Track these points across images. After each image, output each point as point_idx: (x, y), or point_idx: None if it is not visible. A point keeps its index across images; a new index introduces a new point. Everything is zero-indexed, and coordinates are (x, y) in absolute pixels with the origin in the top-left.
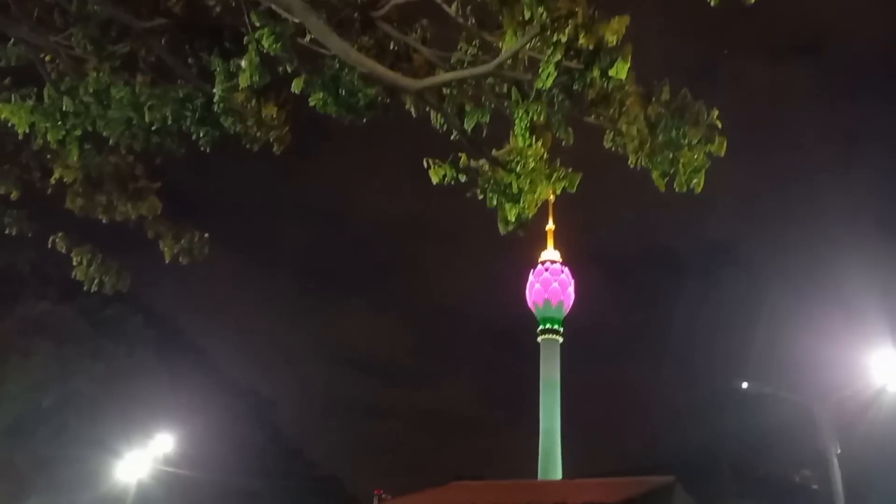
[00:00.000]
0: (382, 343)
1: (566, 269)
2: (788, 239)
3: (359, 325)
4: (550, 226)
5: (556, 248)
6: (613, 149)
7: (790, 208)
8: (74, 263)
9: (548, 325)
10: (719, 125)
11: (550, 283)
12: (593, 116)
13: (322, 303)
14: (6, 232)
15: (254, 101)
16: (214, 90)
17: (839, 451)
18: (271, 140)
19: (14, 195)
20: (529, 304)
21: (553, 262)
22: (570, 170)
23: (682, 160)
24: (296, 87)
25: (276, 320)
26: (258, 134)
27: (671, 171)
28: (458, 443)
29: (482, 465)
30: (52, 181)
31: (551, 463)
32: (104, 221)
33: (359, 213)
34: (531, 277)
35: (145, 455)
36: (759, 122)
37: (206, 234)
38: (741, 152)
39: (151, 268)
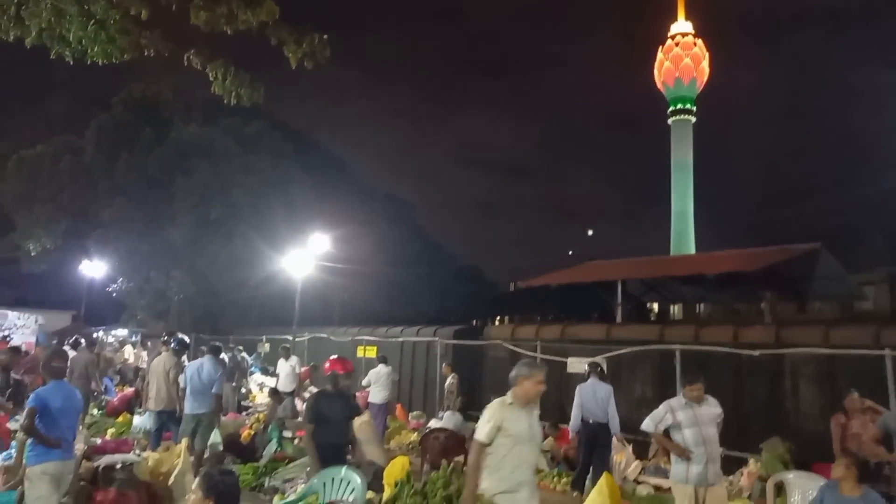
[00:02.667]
0: (507, 142)
1: (699, 42)
2: None
3: (483, 127)
4: None
5: (687, 18)
6: None
7: None
8: (211, 79)
9: (679, 106)
10: None
11: (681, 59)
12: None
13: (445, 108)
14: (145, 54)
15: None
16: None
17: None
18: None
19: (143, 15)
20: (658, 84)
21: (684, 34)
22: None
23: None
24: None
25: (403, 129)
26: None
27: None
28: (587, 233)
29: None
30: None
31: (684, 245)
32: (229, 33)
33: (475, 8)
34: (659, 55)
35: (306, 254)
36: None
37: (326, 36)
38: None
39: (282, 86)
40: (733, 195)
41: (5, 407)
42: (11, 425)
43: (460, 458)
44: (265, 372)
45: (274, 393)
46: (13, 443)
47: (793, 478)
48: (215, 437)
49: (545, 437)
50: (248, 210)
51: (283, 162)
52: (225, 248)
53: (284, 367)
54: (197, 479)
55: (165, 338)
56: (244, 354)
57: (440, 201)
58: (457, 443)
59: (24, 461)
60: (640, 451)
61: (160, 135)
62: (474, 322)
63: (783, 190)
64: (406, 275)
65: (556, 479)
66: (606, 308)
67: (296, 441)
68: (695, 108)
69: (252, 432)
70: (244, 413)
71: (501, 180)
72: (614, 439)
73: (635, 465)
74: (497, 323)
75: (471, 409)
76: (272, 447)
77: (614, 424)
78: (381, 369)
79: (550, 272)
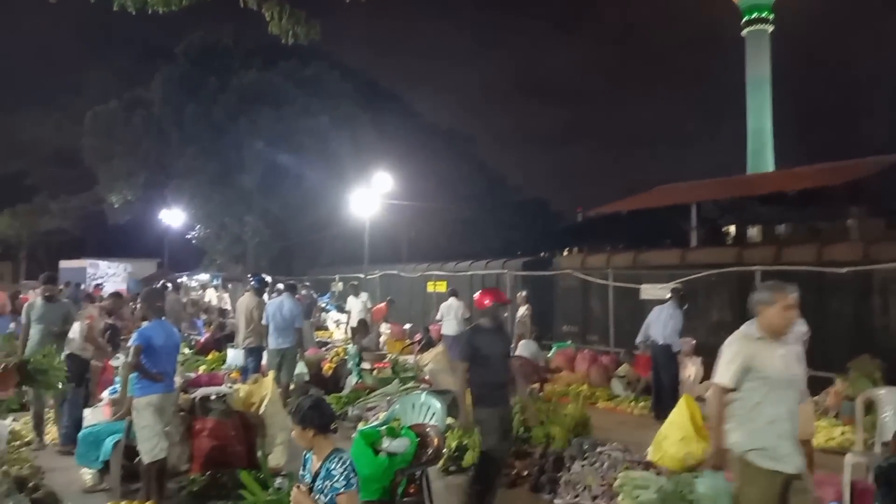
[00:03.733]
0: (571, 68)
1: None
2: None
3: (547, 52)
4: None
5: None
6: None
7: None
8: (267, 19)
9: (754, 15)
10: None
11: None
12: None
13: (506, 32)
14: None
15: None
16: None
17: None
18: None
19: None
20: None
21: None
22: None
23: None
24: None
25: (462, 60)
26: None
27: None
28: (658, 158)
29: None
30: None
31: (761, 165)
32: None
33: None
34: None
35: (372, 193)
36: None
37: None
38: None
39: (337, 25)
40: (816, 110)
41: (107, 349)
42: (113, 363)
43: (535, 385)
44: (340, 310)
45: (362, 324)
46: (117, 378)
47: (884, 394)
48: (300, 368)
49: (619, 363)
50: (313, 153)
51: (343, 102)
52: (294, 192)
53: (355, 303)
54: (290, 415)
55: (251, 278)
56: (313, 293)
57: (503, 133)
58: (532, 370)
59: (128, 394)
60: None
61: (223, 82)
62: (542, 254)
63: (870, 102)
64: (470, 210)
65: (632, 403)
66: (680, 234)
67: (374, 372)
68: (772, 17)
69: (333, 366)
70: (323, 348)
71: (566, 108)
72: (681, 357)
73: (706, 382)
74: (565, 254)
75: (542, 339)
76: (353, 379)
77: (674, 343)
78: (452, 302)
79: (619, 200)
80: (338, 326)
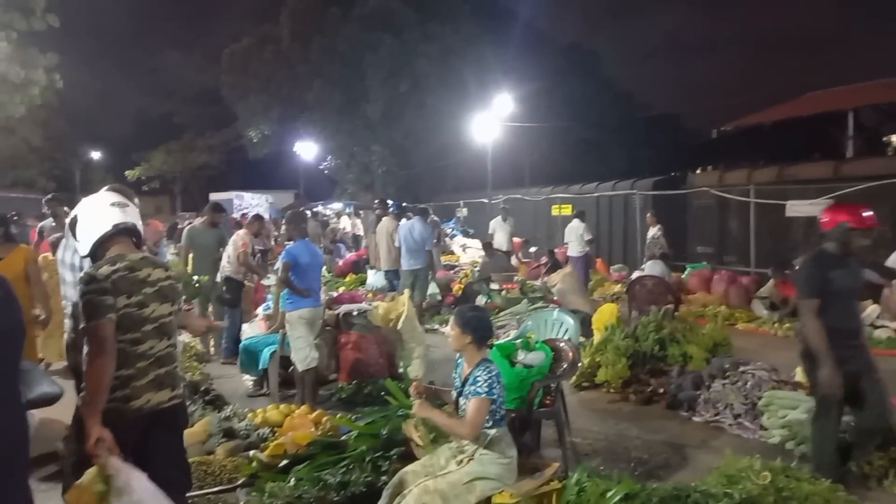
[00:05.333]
0: None
1: None
2: None
3: None
4: None
5: None
6: None
7: None
8: None
9: None
10: None
11: None
12: None
13: None
14: None
15: None
16: None
17: None
18: None
19: None
20: None
21: None
22: None
23: None
24: None
25: None
26: None
27: None
28: (806, 65)
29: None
30: None
31: None
32: None
33: None
34: None
35: (493, 117)
36: None
37: None
38: None
39: None
40: None
41: (258, 271)
42: (264, 283)
43: (669, 305)
44: (466, 234)
45: (487, 246)
46: (269, 296)
47: None
48: (432, 289)
49: (758, 283)
50: (434, 79)
51: (462, 25)
52: (417, 120)
53: (503, 226)
54: (452, 317)
55: (376, 204)
56: (436, 219)
57: (630, 47)
58: (665, 289)
59: (280, 309)
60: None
61: (346, 13)
62: (672, 174)
63: None
64: (595, 130)
65: (776, 325)
66: (831, 145)
67: (503, 293)
68: None
69: (462, 286)
70: (451, 271)
71: (700, 13)
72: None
73: (871, 308)
74: (698, 172)
75: (675, 260)
76: (482, 299)
77: None
78: (576, 224)
79: (761, 111)
80: (464, 251)
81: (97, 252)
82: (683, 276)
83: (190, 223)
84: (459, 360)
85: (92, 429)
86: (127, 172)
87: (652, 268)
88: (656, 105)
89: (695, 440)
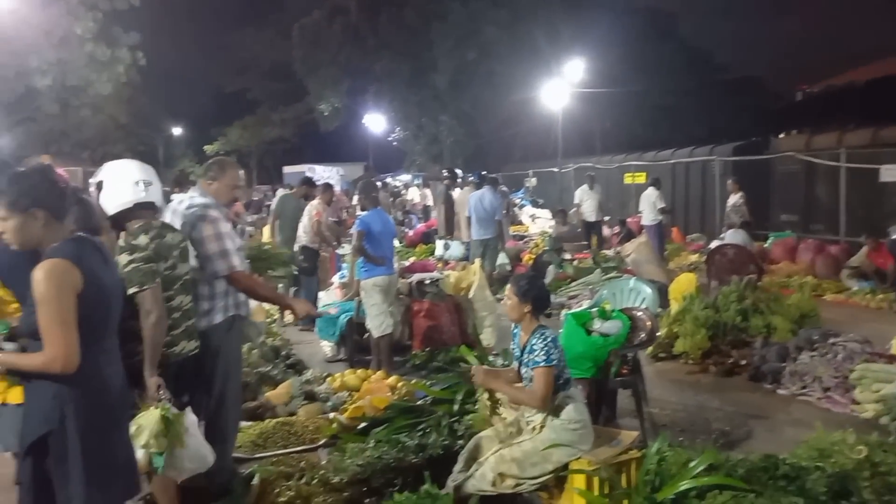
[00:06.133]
0: None
1: None
2: None
3: None
4: None
5: None
6: None
7: None
8: None
9: None
10: None
11: None
12: None
13: None
14: None
15: None
16: None
17: None
18: None
19: None
20: None
21: None
22: None
23: None
24: None
25: None
26: None
27: None
28: None
29: None
30: None
31: None
32: None
33: None
34: None
35: (563, 83)
36: None
37: None
38: None
39: None
40: None
41: (332, 241)
42: (339, 252)
43: (751, 275)
44: (535, 204)
45: (559, 214)
46: (345, 265)
47: None
48: (501, 259)
49: (848, 253)
50: (503, 46)
51: None
52: (485, 89)
53: (590, 195)
54: (508, 286)
55: (445, 174)
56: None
57: (709, 4)
58: (747, 259)
59: (355, 277)
60: None
61: None
62: (753, 139)
63: None
64: (671, 95)
65: (868, 296)
66: None
67: (575, 262)
68: None
69: (533, 256)
70: (521, 241)
71: None
72: None
73: None
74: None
75: (757, 228)
76: (553, 269)
77: None
78: (651, 192)
79: (851, 69)
80: (533, 221)
81: (118, 219)
82: (766, 245)
83: (272, 194)
84: (515, 331)
85: (151, 378)
86: (205, 147)
87: (733, 237)
88: (736, 67)
89: (780, 413)
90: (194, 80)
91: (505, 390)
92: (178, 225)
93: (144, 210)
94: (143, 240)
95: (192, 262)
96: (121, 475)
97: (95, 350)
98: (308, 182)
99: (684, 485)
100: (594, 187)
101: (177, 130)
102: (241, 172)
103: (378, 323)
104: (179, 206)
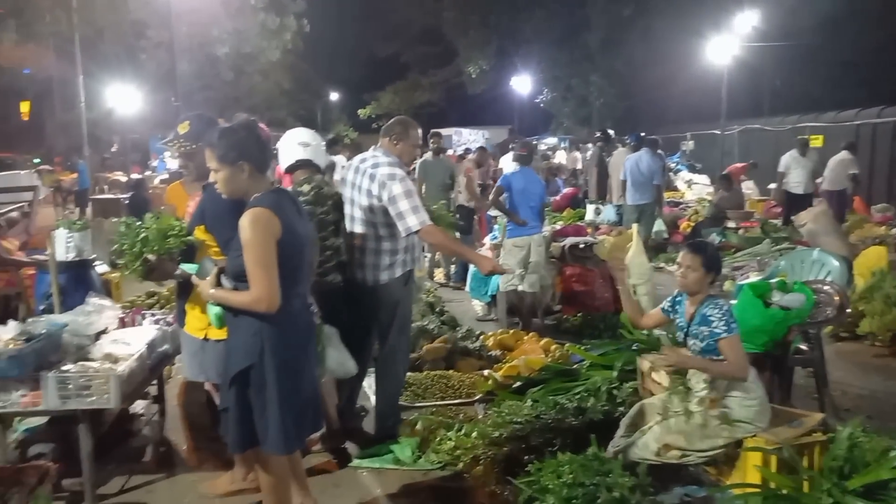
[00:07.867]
0: None
1: None
2: None
3: None
4: None
5: None
6: None
7: None
8: None
9: None
10: None
11: None
12: None
13: None
14: None
15: None
16: None
17: None
18: None
19: None
20: None
21: None
22: None
23: None
24: None
25: None
26: None
27: None
28: None
29: None
30: None
31: None
32: None
33: None
34: None
35: (730, 38)
36: None
37: None
38: None
39: None
40: None
41: (479, 196)
42: (491, 213)
43: None
44: (692, 169)
45: (722, 178)
46: (496, 226)
47: None
48: (658, 226)
49: None
50: (661, 0)
51: None
52: (640, 46)
53: (802, 162)
54: (686, 255)
55: (597, 135)
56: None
57: None
58: None
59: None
60: None
61: None
62: None
63: None
64: (852, 50)
65: None
66: None
67: (740, 231)
68: None
69: (691, 223)
70: (677, 207)
71: None
72: None
73: None
74: None
75: None
76: (716, 238)
77: None
78: (845, 156)
79: None
80: (689, 187)
81: (289, 171)
82: None
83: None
84: (679, 298)
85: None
86: (359, 111)
87: None
88: None
89: None
90: (349, 46)
91: (703, 366)
92: (360, 181)
93: (307, 167)
94: (306, 188)
95: (380, 217)
96: (310, 406)
97: (291, 294)
98: (434, 135)
99: (883, 475)
100: (807, 153)
101: (333, 96)
102: (420, 132)
103: (505, 279)
104: (362, 164)
